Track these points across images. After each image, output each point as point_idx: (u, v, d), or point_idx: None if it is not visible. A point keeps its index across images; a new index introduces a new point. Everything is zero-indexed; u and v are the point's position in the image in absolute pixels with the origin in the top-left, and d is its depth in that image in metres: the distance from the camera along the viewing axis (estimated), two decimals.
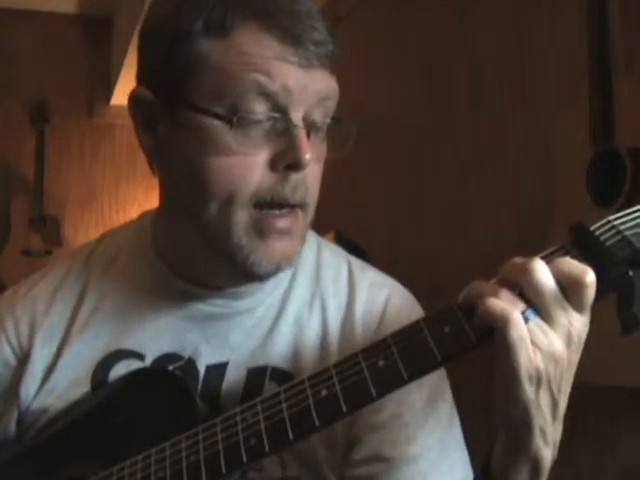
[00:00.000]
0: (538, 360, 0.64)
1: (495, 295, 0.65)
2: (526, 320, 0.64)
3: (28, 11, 3.76)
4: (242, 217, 0.80)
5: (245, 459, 0.70)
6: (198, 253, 0.87)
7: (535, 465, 0.69)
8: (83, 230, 3.84)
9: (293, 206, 0.81)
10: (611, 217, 0.66)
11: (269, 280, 0.88)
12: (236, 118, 0.77)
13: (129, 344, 0.90)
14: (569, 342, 0.65)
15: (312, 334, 0.90)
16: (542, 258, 0.66)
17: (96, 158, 3.90)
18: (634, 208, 0.66)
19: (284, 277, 0.92)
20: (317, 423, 0.68)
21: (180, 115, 0.81)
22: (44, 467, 0.86)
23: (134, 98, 0.85)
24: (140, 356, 0.90)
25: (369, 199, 2.73)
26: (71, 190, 3.88)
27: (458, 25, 2.18)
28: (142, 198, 3.89)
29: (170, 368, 0.89)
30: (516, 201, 1.89)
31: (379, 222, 2.63)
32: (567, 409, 0.70)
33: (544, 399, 0.66)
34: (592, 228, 0.66)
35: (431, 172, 2.32)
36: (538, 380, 0.65)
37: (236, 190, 0.79)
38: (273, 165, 0.79)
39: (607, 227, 0.65)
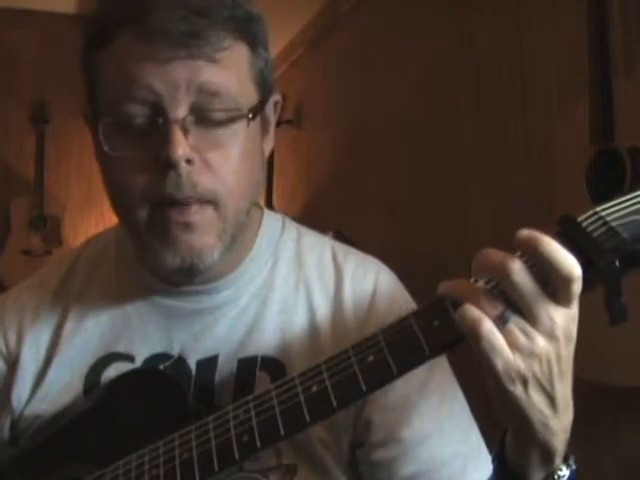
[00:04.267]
0: (518, 362, 0.63)
1: (473, 299, 0.64)
2: (505, 321, 0.63)
3: (28, 11, 3.76)
4: (141, 217, 0.81)
5: (237, 456, 0.71)
6: (143, 255, 0.88)
7: (546, 452, 0.69)
8: (83, 230, 3.84)
9: (187, 202, 0.80)
10: (598, 208, 0.65)
11: (197, 277, 0.85)
12: (115, 125, 0.79)
13: (119, 347, 0.91)
14: (552, 338, 0.64)
15: (299, 320, 0.90)
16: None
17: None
18: (621, 199, 0.65)
19: (264, 266, 0.92)
20: (308, 419, 0.69)
21: (93, 126, 0.84)
22: (39, 469, 0.86)
23: (84, 112, 0.88)
24: (130, 358, 0.90)
25: (369, 199, 2.74)
26: (71, 190, 3.88)
27: (459, 26, 2.18)
28: None
29: (161, 367, 0.89)
30: (516, 201, 1.89)
31: (379, 222, 2.64)
32: None
33: (536, 397, 0.66)
34: (579, 219, 0.65)
35: (432, 172, 2.32)
36: (523, 381, 0.64)
37: (127, 194, 0.81)
38: (154, 164, 0.79)
39: (594, 218, 0.64)
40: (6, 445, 0.92)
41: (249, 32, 0.82)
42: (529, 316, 0.64)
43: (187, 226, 0.80)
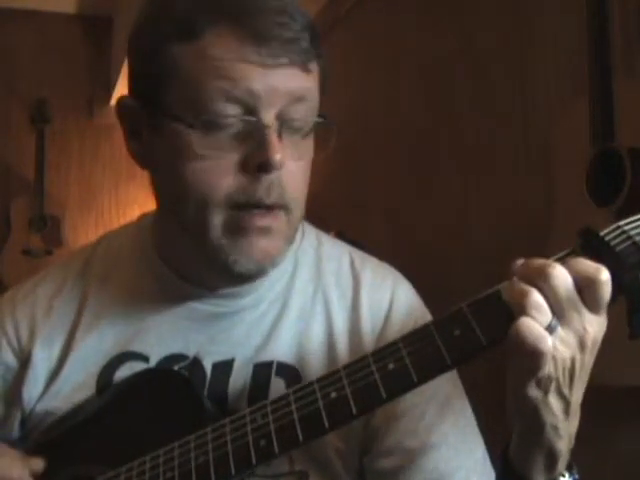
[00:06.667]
0: (550, 368, 0.65)
1: (533, 311, 0.64)
2: (552, 331, 0.64)
3: (28, 11, 3.76)
4: (219, 219, 0.80)
5: (255, 460, 0.71)
6: (190, 254, 0.87)
7: (551, 456, 0.71)
8: (83, 230, 3.84)
9: (271, 207, 0.81)
10: (621, 222, 0.66)
11: (256, 280, 0.87)
12: (204, 123, 0.78)
13: (133, 346, 0.91)
14: (582, 347, 0.65)
15: (316, 328, 0.90)
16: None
17: (96, 158, 3.89)
18: None
19: (284, 272, 0.92)
20: (327, 425, 0.69)
21: (157, 122, 0.82)
22: (50, 467, 0.86)
23: (120, 105, 0.87)
24: (145, 358, 0.90)
25: (369, 200, 2.73)
26: (71, 190, 3.88)
27: (458, 25, 2.18)
28: (142, 198, 3.89)
29: (175, 368, 0.89)
30: (516, 201, 1.89)
31: (379, 222, 2.63)
32: None
33: (554, 401, 0.67)
34: (602, 233, 0.66)
35: (431, 172, 2.32)
36: (546, 386, 0.66)
37: (209, 193, 0.80)
38: (245, 167, 0.79)
39: (617, 232, 0.65)
40: (17, 442, 0.92)
41: (318, 44, 0.83)
42: (564, 323, 0.64)
43: (265, 230, 0.81)
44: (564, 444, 0.70)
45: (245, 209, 0.80)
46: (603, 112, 1.43)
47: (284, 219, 0.83)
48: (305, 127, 0.83)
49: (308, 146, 0.84)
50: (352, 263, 0.95)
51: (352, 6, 2.86)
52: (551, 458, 0.71)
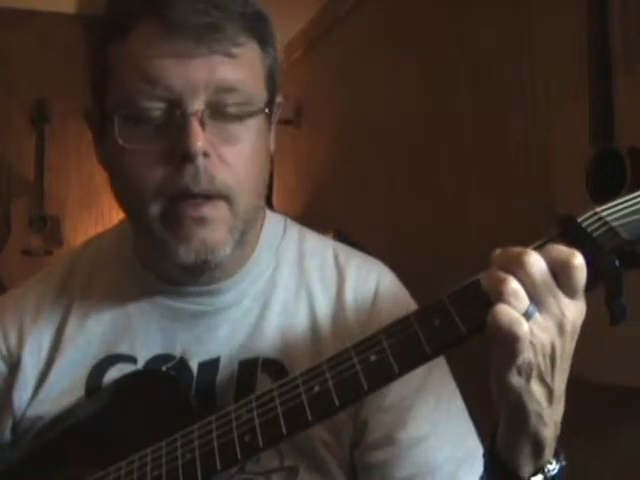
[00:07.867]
0: (530, 355, 0.65)
1: (510, 298, 0.64)
2: (529, 317, 0.64)
3: (28, 11, 3.76)
4: (155, 211, 0.80)
5: (240, 455, 0.71)
6: (155, 253, 0.87)
7: (536, 443, 0.70)
8: (83, 230, 3.84)
9: (209, 196, 0.80)
10: (598, 208, 0.66)
11: (205, 272, 0.86)
12: (127, 118, 0.79)
13: (121, 349, 0.91)
14: (562, 332, 0.65)
15: (301, 322, 0.90)
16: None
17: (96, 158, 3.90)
18: (621, 199, 0.66)
19: (265, 269, 0.92)
20: (310, 419, 0.69)
21: (103, 124, 0.83)
22: (42, 470, 0.87)
23: (86, 112, 0.88)
24: (132, 359, 0.90)
25: (369, 199, 2.74)
26: (71, 190, 3.88)
27: (459, 25, 2.18)
28: None
29: (163, 369, 0.89)
30: (516, 201, 1.89)
31: (379, 222, 2.64)
32: (566, 406, 0.70)
33: (536, 388, 0.67)
34: (579, 220, 0.66)
35: (431, 172, 2.33)
36: (528, 372, 0.66)
37: (141, 187, 0.80)
38: (169, 157, 0.79)
39: (594, 218, 0.65)
40: (8, 447, 0.92)
41: (259, 30, 0.83)
42: (542, 309, 0.65)
43: (201, 221, 0.80)
44: (550, 432, 0.70)
45: (180, 199, 0.80)
46: (603, 112, 1.43)
47: (226, 209, 0.81)
48: (240, 113, 0.81)
49: (248, 130, 0.82)
50: (336, 257, 0.95)
51: (352, 6, 2.86)
52: (537, 446, 0.70)
